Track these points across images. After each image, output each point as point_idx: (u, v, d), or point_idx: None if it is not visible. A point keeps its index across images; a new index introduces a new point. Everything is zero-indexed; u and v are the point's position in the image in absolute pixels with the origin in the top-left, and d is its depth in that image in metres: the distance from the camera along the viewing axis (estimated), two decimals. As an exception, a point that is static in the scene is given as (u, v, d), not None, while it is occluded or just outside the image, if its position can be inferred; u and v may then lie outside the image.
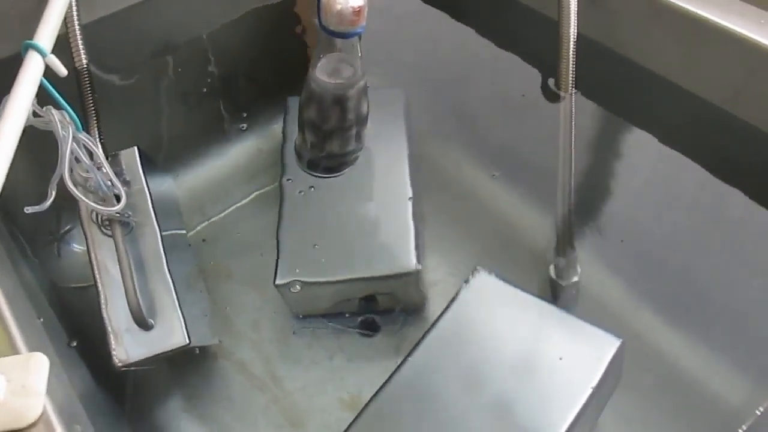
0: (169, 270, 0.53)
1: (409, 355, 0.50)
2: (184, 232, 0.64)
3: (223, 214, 0.70)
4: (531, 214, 0.65)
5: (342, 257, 0.58)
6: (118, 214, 0.51)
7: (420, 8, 0.81)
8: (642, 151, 0.66)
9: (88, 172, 0.48)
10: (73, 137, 0.44)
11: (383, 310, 0.62)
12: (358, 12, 0.46)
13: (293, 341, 0.62)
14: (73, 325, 0.58)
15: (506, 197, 0.67)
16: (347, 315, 0.62)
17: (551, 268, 0.56)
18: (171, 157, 0.71)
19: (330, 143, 0.55)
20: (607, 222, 0.63)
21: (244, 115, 0.76)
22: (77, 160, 0.46)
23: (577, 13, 0.55)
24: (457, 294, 0.52)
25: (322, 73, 0.52)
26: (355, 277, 0.58)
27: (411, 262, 0.57)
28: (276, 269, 0.58)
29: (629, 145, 0.67)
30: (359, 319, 0.62)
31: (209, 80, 0.74)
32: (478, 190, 0.68)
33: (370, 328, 0.62)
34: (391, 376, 0.48)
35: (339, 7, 0.46)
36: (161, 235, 0.53)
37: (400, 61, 0.78)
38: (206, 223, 0.69)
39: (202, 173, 0.72)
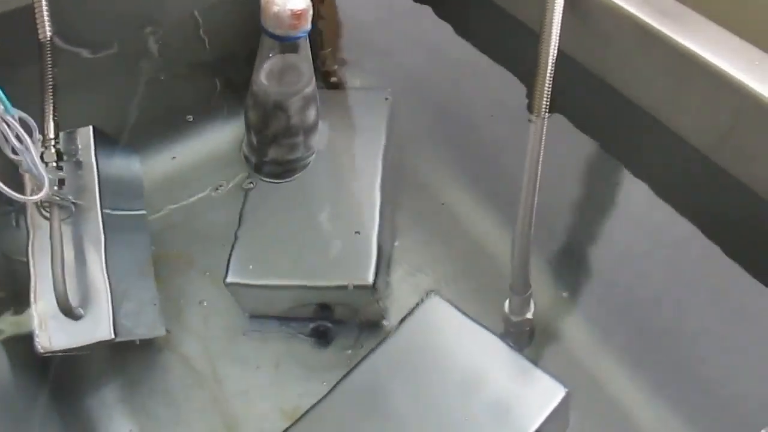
0: (106, 259, 0.51)
1: (350, 371, 0.48)
2: (143, 213, 0.62)
3: (192, 200, 0.67)
4: (505, 239, 0.62)
5: (298, 262, 0.56)
6: (50, 200, 0.49)
7: (430, 20, 0.78)
8: (620, 188, 0.63)
9: (17, 154, 0.46)
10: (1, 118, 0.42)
11: (339, 321, 0.59)
12: (298, 15, 0.44)
13: (242, 342, 0.60)
14: (19, 298, 0.56)
15: (483, 219, 0.64)
16: (301, 320, 0.60)
17: (507, 301, 0.53)
18: (144, 136, 0.69)
19: (273, 149, 0.53)
20: (571, 259, 0.60)
21: (229, 98, 0.74)
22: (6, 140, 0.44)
23: (567, 34, 0.52)
24: (406, 316, 0.51)
25: (265, 77, 0.50)
26: (308, 284, 0.55)
27: (368, 276, 0.54)
28: (228, 267, 0.56)
29: (607, 178, 0.64)
30: (311, 326, 0.60)
31: (196, 58, 0.72)
32: (457, 207, 0.65)
33: (322, 338, 0.59)
34: (330, 391, 0.47)
35: (276, 9, 0.44)
36: (103, 221, 0.51)
37: (398, 64, 0.76)
38: (174, 207, 0.67)
39: (176, 157, 0.69)
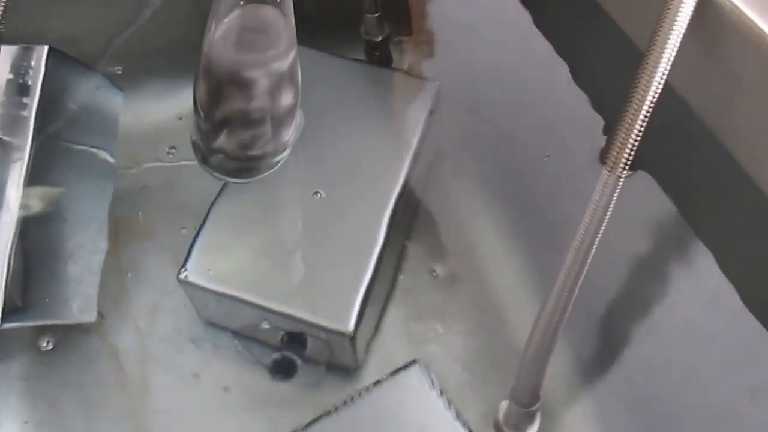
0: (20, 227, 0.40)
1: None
2: (109, 160, 0.51)
3: (176, 164, 0.56)
4: (529, 307, 0.49)
5: (267, 280, 0.44)
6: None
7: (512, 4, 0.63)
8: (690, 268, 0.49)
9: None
10: None
11: (309, 357, 0.48)
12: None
13: (187, 350, 0.49)
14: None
15: (508, 276, 0.51)
16: (265, 345, 0.48)
17: (502, 405, 0.40)
18: (144, 75, 0.58)
19: (224, 138, 0.40)
20: (608, 362, 0.47)
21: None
22: None
23: (683, 63, 0.37)
24: (380, 381, 0.43)
25: (223, 37, 0.37)
26: (273, 307, 0.44)
27: (346, 322, 0.42)
28: (185, 261, 0.45)
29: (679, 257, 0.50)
30: (274, 356, 0.48)
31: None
32: (484, 254, 0.53)
33: (283, 372, 0.48)
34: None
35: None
36: (29, 165, 0.40)
37: (458, 53, 0.62)
38: (151, 165, 0.56)
39: (183, 118, 0.58)
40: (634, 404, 0.46)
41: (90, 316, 0.47)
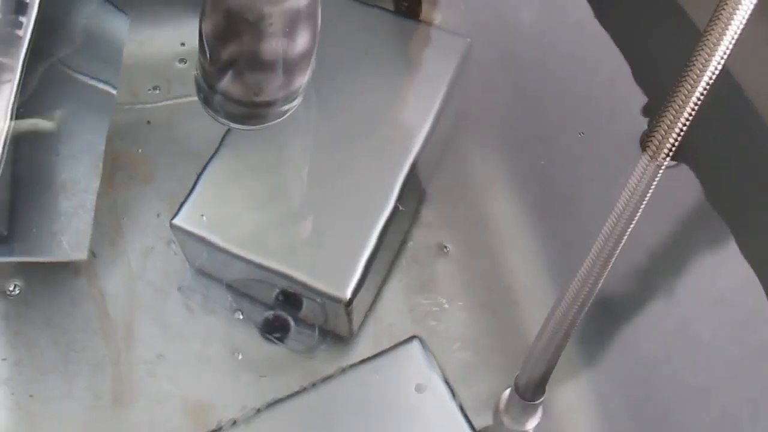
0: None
1: (294, 395, 0.39)
2: (111, 92, 0.47)
3: (184, 101, 0.53)
4: (541, 297, 0.46)
5: (267, 235, 0.42)
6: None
7: None
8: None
9: None
10: None
11: (303, 319, 0.45)
12: None
13: (174, 300, 0.46)
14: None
15: (524, 254, 0.48)
16: (258, 303, 0.46)
17: (504, 393, 0.37)
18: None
19: (230, 80, 0.37)
20: (614, 357, 0.44)
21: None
22: None
23: (745, 48, 0.32)
24: (377, 355, 0.40)
25: None
26: (271, 266, 0.41)
27: (344, 288, 0.39)
28: (180, 206, 0.42)
29: (703, 261, 0.47)
30: (267, 315, 0.46)
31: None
32: (499, 229, 0.49)
33: (274, 332, 0.46)
34: (259, 411, 0.38)
35: None
36: (18, 87, 0.37)
37: (500, 12, 0.58)
38: (156, 101, 0.52)
39: (186, 43, 0.54)
40: (636, 402, 0.44)
41: (81, 254, 0.45)
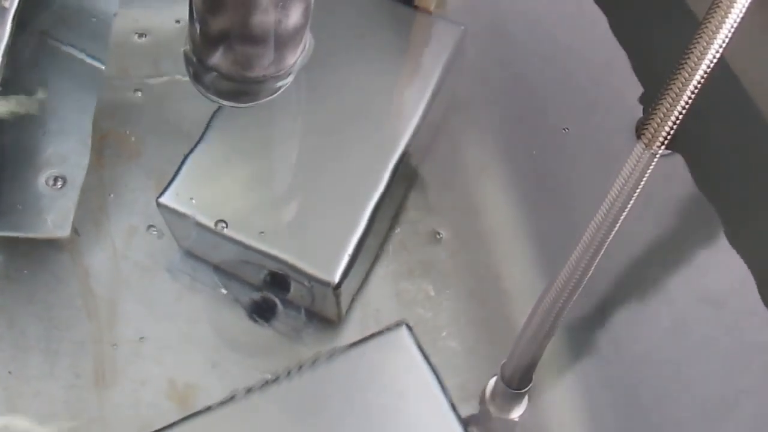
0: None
1: (277, 380, 0.38)
2: (99, 67, 0.46)
3: (175, 79, 0.52)
4: (529, 286, 0.46)
5: (255, 215, 0.41)
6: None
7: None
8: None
9: None
10: None
11: (291, 301, 0.45)
12: None
13: (161, 280, 0.46)
14: None
15: (516, 247, 0.48)
16: (245, 284, 0.45)
17: (490, 381, 0.37)
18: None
19: (221, 54, 0.36)
20: (603, 348, 0.44)
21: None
22: None
23: (744, 37, 0.32)
24: (364, 340, 0.39)
25: None
26: (258, 247, 0.40)
27: (333, 272, 0.39)
28: (168, 185, 0.42)
29: (694, 254, 0.47)
30: (254, 296, 0.45)
31: None
32: (489, 217, 0.49)
33: (261, 314, 0.45)
34: (247, 393, 0.38)
35: None
36: (4, 58, 0.36)
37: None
38: (146, 79, 0.52)
39: (181, 21, 0.53)
40: (623, 393, 0.44)
41: (64, 231, 0.44)
